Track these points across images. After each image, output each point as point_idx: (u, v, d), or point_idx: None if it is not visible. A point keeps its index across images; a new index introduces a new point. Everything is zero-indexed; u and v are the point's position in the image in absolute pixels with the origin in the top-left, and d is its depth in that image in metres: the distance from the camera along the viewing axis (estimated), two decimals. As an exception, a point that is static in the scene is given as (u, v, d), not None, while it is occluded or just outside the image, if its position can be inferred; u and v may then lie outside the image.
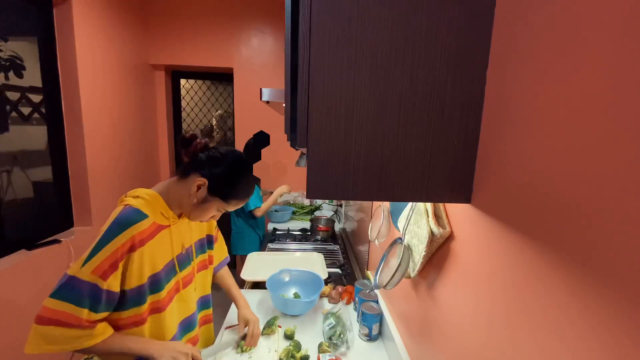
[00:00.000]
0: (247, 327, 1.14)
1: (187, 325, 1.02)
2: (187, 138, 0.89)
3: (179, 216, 0.96)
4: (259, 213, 2.28)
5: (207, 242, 1.12)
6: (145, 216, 0.84)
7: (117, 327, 0.87)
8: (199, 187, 0.88)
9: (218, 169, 0.89)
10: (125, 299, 0.85)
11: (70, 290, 0.78)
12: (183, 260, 0.98)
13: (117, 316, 0.86)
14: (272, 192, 2.50)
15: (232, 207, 0.94)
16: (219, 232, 1.21)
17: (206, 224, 1.10)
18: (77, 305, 0.78)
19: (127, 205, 0.84)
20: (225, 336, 1.19)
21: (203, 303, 1.11)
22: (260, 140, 2.41)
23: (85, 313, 0.79)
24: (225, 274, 1.27)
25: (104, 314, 0.83)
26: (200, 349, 1.01)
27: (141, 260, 0.84)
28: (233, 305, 1.39)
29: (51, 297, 0.78)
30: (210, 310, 1.16)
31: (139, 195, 0.88)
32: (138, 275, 0.85)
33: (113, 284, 0.81)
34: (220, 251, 1.22)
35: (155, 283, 0.88)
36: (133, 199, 0.87)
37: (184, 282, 0.99)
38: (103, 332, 0.83)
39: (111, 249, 0.79)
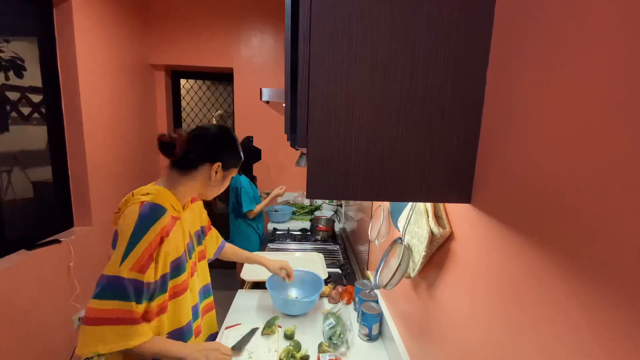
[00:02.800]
0: (283, 270, 1.35)
1: (194, 314, 1.04)
2: (168, 142, 0.92)
3: (183, 207, 1.02)
4: (251, 215, 2.30)
5: (202, 233, 1.16)
6: (165, 210, 0.89)
7: (146, 320, 0.90)
8: (216, 172, 0.98)
9: (220, 148, 0.99)
10: (154, 289, 0.88)
11: (114, 288, 0.81)
12: (190, 249, 1.03)
13: (147, 308, 0.89)
14: (268, 194, 2.50)
15: (237, 169, 1.07)
16: (209, 222, 1.27)
17: (198, 216, 1.14)
18: (124, 301, 0.82)
19: (144, 202, 0.87)
20: (225, 336, 1.19)
21: (205, 292, 1.15)
22: (253, 155, 2.44)
23: (133, 306, 0.83)
24: (230, 248, 1.36)
25: (145, 305, 0.87)
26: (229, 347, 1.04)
27: (167, 250, 0.89)
28: (233, 306, 1.40)
29: (96, 299, 0.81)
30: (211, 298, 1.20)
31: (148, 192, 0.91)
32: (163, 265, 0.89)
33: (150, 275, 0.85)
34: (213, 240, 1.27)
35: (176, 268, 0.94)
36: (143, 196, 0.90)
37: (191, 271, 1.03)
38: (147, 333, 0.86)
39: (145, 244, 0.83)
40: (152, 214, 0.86)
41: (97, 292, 0.81)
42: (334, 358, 1.06)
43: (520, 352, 0.45)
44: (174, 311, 0.95)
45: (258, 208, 2.32)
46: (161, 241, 0.87)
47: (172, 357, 0.89)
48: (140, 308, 0.84)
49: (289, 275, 1.36)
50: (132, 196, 0.91)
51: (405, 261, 0.76)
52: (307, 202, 2.97)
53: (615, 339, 0.32)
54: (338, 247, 2.15)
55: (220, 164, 0.98)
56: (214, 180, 0.99)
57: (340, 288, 1.46)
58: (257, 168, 2.83)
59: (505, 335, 0.48)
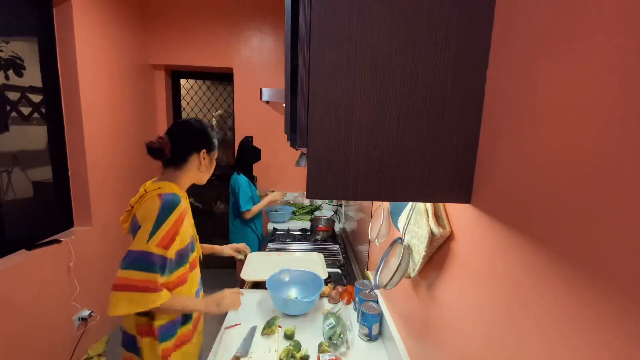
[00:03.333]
0: (239, 253, 1.58)
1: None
2: (157, 147, 1.06)
3: None
4: (248, 215, 2.29)
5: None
6: (180, 197, 1.04)
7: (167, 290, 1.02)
8: (203, 158, 1.14)
9: (200, 137, 1.14)
10: (175, 262, 1.02)
11: (142, 262, 0.94)
12: (192, 242, 1.14)
13: (167, 279, 1.02)
14: (267, 194, 2.50)
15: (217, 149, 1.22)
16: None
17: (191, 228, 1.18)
18: (150, 272, 0.95)
19: (163, 193, 1.02)
20: (225, 336, 1.19)
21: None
22: (253, 155, 2.43)
23: (158, 277, 0.96)
24: None
25: (167, 277, 1.01)
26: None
27: (185, 228, 1.05)
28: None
29: (125, 269, 0.94)
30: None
31: (160, 187, 1.05)
32: (182, 240, 1.04)
33: (173, 252, 1.00)
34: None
35: (193, 243, 1.11)
36: (156, 190, 1.04)
37: (191, 266, 1.13)
38: (167, 294, 0.99)
39: (169, 225, 0.98)
40: (173, 200, 1.01)
41: (127, 264, 0.94)
42: (334, 358, 1.06)
43: (524, 354, 0.45)
44: (191, 281, 1.11)
45: (255, 209, 2.32)
46: (181, 222, 1.02)
47: (190, 310, 1.08)
48: (162, 279, 0.98)
49: (245, 254, 1.57)
50: (146, 192, 1.05)
51: (405, 261, 0.76)
52: (307, 202, 2.97)
53: (622, 343, 0.32)
54: (338, 247, 2.15)
55: (205, 150, 1.14)
56: (203, 166, 1.15)
57: (340, 288, 1.46)
58: (257, 168, 2.83)
59: (508, 335, 0.48)
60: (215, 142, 1.19)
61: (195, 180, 1.17)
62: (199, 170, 1.14)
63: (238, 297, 1.16)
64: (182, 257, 1.05)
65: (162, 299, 0.97)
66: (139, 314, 1.01)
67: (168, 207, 0.99)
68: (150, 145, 1.06)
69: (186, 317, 1.11)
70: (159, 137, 1.08)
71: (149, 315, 1.02)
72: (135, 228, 0.99)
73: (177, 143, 1.09)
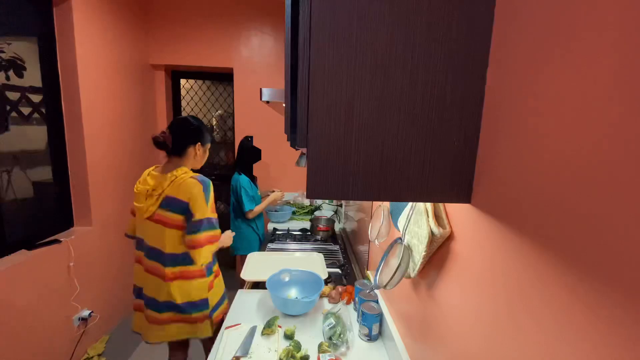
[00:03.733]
0: None
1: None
2: (162, 141, 1.36)
3: None
4: (250, 215, 2.30)
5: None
6: None
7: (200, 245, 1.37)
8: (199, 149, 1.44)
9: (196, 132, 1.43)
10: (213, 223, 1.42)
11: (209, 224, 1.37)
12: None
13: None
14: (268, 195, 2.50)
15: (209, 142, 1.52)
16: None
17: None
18: (214, 229, 1.40)
19: (194, 176, 1.36)
20: (225, 336, 1.19)
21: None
22: (253, 155, 2.44)
23: (218, 232, 1.43)
24: None
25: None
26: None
27: (214, 201, 1.42)
28: (233, 306, 1.40)
29: (201, 232, 1.33)
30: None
31: (185, 172, 1.36)
32: (214, 209, 1.42)
33: (215, 215, 1.42)
34: None
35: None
36: (185, 174, 1.36)
37: None
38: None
39: (211, 196, 1.38)
40: (206, 179, 1.38)
41: (202, 228, 1.33)
42: (334, 358, 1.06)
43: (525, 355, 0.45)
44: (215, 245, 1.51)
45: (257, 209, 2.33)
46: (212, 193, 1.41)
47: (221, 245, 1.50)
48: (219, 233, 1.44)
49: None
50: (176, 177, 1.33)
51: (405, 261, 0.76)
52: (307, 202, 2.97)
53: (623, 344, 0.32)
54: (338, 247, 2.15)
55: (200, 143, 1.44)
56: (198, 156, 1.45)
57: (340, 288, 1.46)
58: (257, 168, 2.83)
59: (508, 335, 0.48)
60: (208, 136, 1.48)
61: (193, 166, 1.45)
62: (195, 159, 1.45)
63: (230, 235, 1.59)
64: (216, 222, 1.45)
65: (219, 244, 1.48)
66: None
67: (207, 184, 1.36)
68: (156, 139, 1.36)
69: (213, 261, 1.53)
70: (162, 132, 1.37)
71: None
72: (176, 205, 1.32)
73: (177, 137, 1.39)
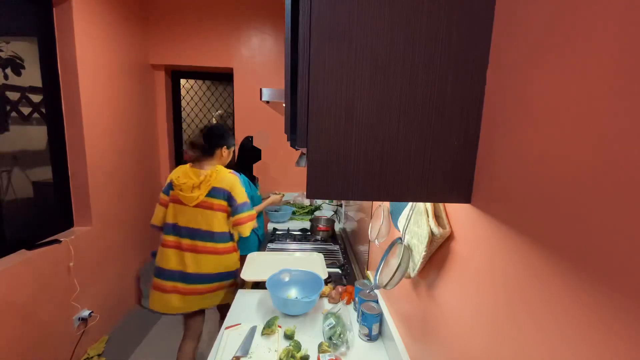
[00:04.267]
0: None
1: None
2: (194, 142, 1.71)
3: None
4: None
5: None
6: None
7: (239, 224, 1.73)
8: (224, 152, 1.76)
9: (223, 137, 1.75)
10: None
11: (248, 206, 1.72)
12: None
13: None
14: (269, 196, 2.50)
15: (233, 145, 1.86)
16: None
17: None
18: (252, 211, 1.74)
19: (231, 171, 1.71)
20: (225, 336, 1.19)
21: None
22: (252, 155, 2.45)
23: (254, 211, 1.77)
24: None
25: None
26: None
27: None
28: (233, 306, 1.40)
29: (245, 212, 1.69)
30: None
31: (222, 168, 1.69)
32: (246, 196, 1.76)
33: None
34: None
35: None
36: (224, 169, 1.70)
37: None
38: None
39: (244, 185, 1.78)
40: (238, 173, 1.75)
41: (246, 209, 1.69)
42: (334, 358, 1.06)
43: (526, 355, 0.45)
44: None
45: (255, 209, 2.32)
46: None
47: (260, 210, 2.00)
48: (254, 212, 1.77)
49: None
50: (218, 172, 1.66)
51: (405, 261, 0.76)
52: (307, 202, 2.96)
53: (623, 345, 0.32)
54: (338, 247, 2.15)
55: (226, 146, 1.76)
56: (224, 157, 1.78)
57: (340, 288, 1.46)
58: (257, 168, 2.83)
59: (508, 335, 0.48)
60: (232, 140, 1.81)
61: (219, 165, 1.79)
62: (221, 159, 1.76)
63: (278, 197, 2.33)
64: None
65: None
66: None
67: (240, 177, 1.75)
68: (195, 142, 1.71)
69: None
70: (197, 139, 1.73)
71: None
72: (220, 193, 1.64)
73: (210, 141, 1.72)
